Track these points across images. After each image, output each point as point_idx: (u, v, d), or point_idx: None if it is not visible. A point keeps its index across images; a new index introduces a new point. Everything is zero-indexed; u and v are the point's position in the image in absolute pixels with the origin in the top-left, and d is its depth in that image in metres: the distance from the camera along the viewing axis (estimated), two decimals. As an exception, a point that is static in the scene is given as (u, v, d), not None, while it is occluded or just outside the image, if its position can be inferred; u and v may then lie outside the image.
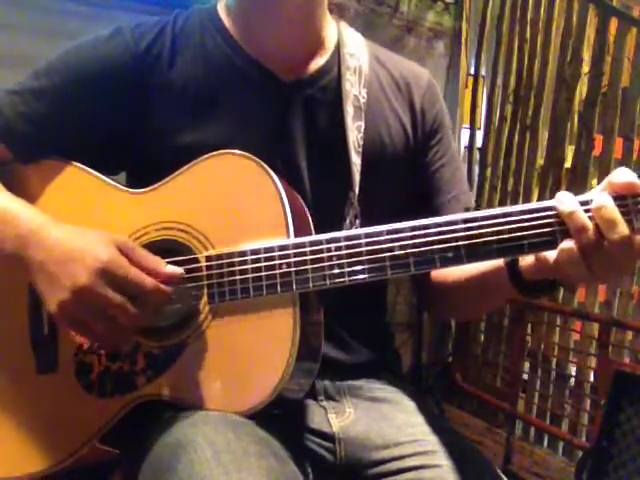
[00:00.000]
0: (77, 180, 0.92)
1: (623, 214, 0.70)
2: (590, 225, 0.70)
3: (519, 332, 2.31)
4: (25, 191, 0.90)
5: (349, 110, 0.94)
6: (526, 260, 0.79)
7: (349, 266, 0.78)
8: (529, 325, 2.33)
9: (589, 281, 0.75)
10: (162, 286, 0.78)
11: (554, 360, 2.29)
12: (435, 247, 0.75)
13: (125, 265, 0.77)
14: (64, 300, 0.76)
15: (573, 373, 2.24)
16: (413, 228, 0.76)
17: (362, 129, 0.95)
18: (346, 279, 0.78)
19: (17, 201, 0.87)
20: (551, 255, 0.74)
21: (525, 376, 2.34)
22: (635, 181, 0.70)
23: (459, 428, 2.31)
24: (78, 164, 0.92)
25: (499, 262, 0.83)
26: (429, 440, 0.88)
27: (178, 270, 0.81)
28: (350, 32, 1.03)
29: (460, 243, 0.75)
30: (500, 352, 2.53)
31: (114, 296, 0.76)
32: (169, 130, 0.91)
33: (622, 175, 0.71)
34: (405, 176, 1.01)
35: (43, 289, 0.79)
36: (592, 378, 2.15)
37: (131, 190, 0.90)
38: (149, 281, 0.77)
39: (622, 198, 0.71)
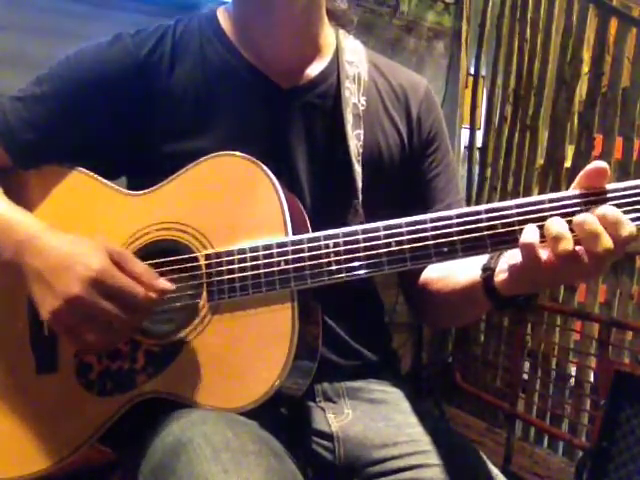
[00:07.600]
0: (78, 183, 0.92)
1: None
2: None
3: (519, 332, 2.31)
4: (26, 195, 0.91)
5: (349, 118, 0.94)
6: (500, 276, 0.79)
7: (346, 262, 0.78)
8: (529, 325, 2.33)
9: (556, 279, 0.74)
10: (153, 295, 0.78)
11: (554, 360, 2.28)
12: (430, 242, 0.76)
13: (116, 274, 0.77)
14: (57, 308, 0.77)
15: (573, 373, 2.24)
16: (409, 224, 0.77)
17: (361, 137, 0.95)
18: (344, 275, 0.78)
19: (15, 208, 0.88)
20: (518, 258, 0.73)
21: (525, 376, 2.34)
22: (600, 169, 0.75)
23: (459, 428, 2.31)
24: (79, 167, 0.93)
25: (477, 277, 0.82)
26: (428, 440, 0.88)
27: (169, 285, 0.80)
28: (349, 39, 1.03)
29: (455, 238, 0.75)
30: (500, 352, 2.53)
31: (105, 305, 0.76)
32: (168, 136, 0.92)
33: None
34: (402, 184, 1.01)
35: (37, 297, 0.80)
36: (592, 378, 2.15)
37: (131, 192, 0.91)
38: (140, 290, 0.77)
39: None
